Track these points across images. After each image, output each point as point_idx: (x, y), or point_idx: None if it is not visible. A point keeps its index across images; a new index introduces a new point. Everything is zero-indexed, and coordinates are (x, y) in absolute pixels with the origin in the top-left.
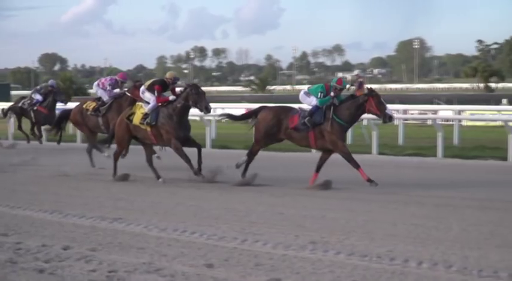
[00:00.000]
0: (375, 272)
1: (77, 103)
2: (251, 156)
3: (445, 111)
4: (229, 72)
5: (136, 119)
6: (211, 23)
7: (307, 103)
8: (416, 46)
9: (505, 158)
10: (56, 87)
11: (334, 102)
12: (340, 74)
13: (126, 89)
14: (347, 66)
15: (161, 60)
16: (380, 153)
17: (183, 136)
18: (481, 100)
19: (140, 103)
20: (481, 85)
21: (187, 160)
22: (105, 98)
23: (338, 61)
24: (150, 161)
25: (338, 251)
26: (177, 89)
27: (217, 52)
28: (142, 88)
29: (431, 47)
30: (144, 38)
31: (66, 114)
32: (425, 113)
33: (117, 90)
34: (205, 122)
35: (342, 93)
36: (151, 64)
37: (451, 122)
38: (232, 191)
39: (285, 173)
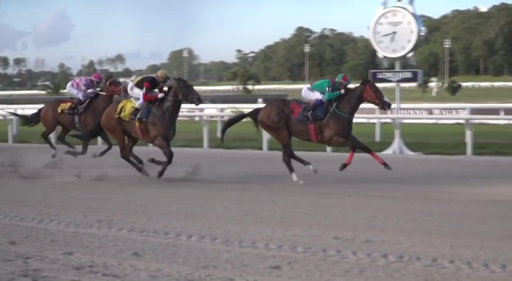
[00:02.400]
0: (152, 244)
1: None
2: (287, 151)
3: (210, 109)
4: (28, 78)
5: (126, 114)
6: (13, 36)
7: (311, 99)
8: (185, 55)
9: (260, 148)
10: None
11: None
12: (121, 79)
13: (99, 89)
14: (128, 73)
15: None
16: None
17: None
18: (240, 100)
19: (128, 100)
20: (241, 87)
21: (170, 157)
22: (81, 97)
23: (120, 68)
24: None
25: (120, 228)
26: (165, 88)
27: (18, 61)
28: (130, 85)
29: (198, 55)
30: None
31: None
32: (193, 111)
33: (90, 90)
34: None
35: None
36: None
37: (215, 119)
38: (32, 179)
39: (90, 162)
